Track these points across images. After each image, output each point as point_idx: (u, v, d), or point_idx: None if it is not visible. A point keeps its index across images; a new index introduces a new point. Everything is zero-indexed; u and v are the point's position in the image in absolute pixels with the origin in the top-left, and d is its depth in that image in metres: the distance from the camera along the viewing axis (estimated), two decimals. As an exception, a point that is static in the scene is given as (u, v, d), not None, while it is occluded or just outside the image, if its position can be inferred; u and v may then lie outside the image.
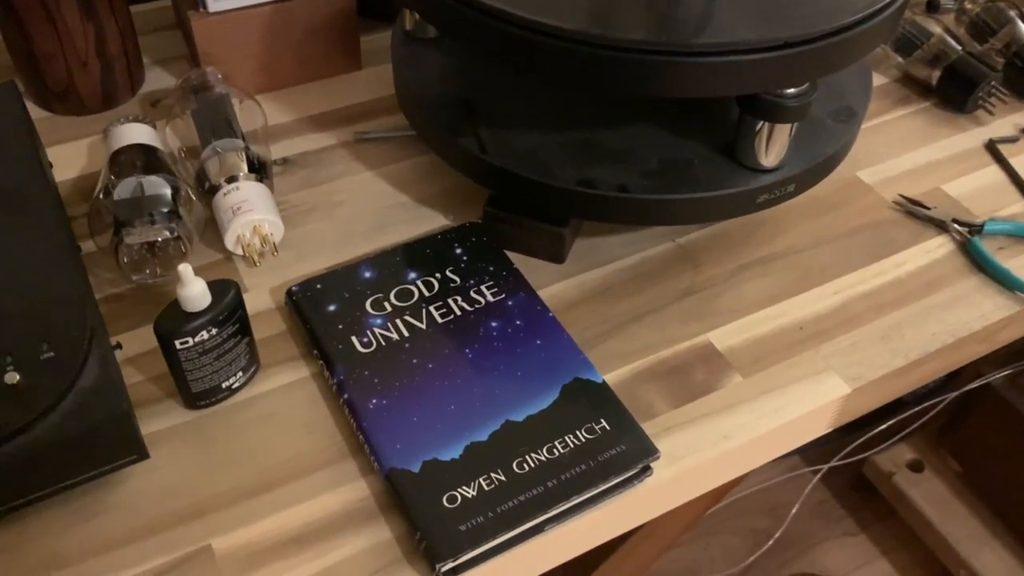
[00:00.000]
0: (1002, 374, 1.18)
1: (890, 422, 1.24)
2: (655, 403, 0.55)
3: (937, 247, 0.66)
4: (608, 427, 0.51)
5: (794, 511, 1.17)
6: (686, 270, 0.63)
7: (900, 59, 0.80)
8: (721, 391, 0.56)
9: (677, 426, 0.54)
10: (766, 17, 0.51)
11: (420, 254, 0.61)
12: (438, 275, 0.59)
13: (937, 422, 1.30)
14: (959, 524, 1.24)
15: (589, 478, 0.49)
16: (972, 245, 0.64)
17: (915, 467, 1.31)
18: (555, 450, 0.50)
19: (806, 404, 0.55)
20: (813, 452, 1.40)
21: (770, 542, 1.20)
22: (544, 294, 0.61)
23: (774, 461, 1.41)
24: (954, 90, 0.76)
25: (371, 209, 0.66)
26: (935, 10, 0.88)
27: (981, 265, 0.64)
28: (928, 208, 0.67)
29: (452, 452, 0.49)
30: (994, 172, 0.72)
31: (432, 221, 0.66)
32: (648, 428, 0.53)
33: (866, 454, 1.31)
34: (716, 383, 0.56)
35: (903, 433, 1.21)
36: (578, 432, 0.51)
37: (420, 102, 0.63)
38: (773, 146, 0.57)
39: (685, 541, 1.35)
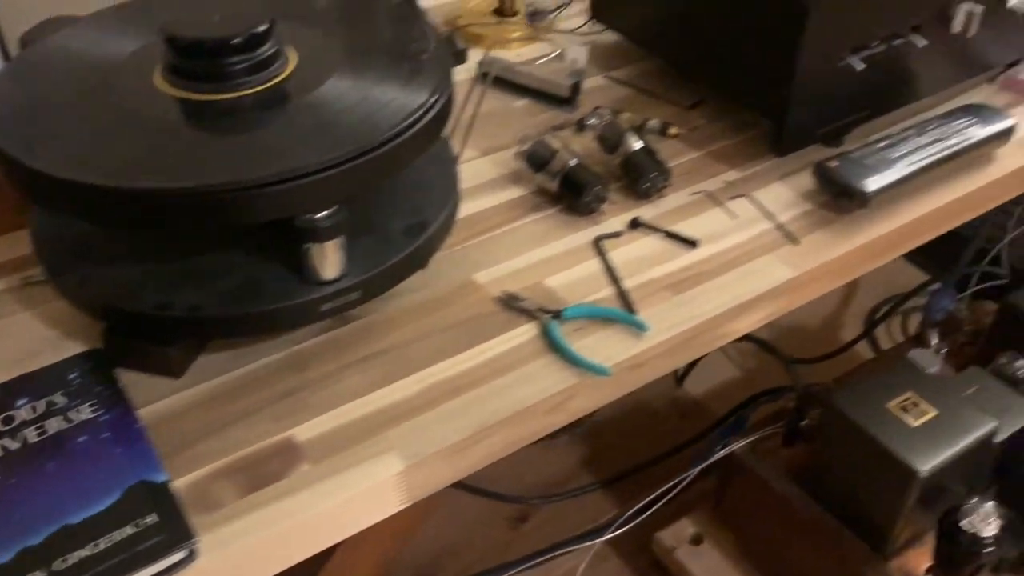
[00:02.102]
0: (744, 443, 1.28)
1: (650, 495, 1.32)
2: (225, 496, 0.62)
3: (522, 333, 0.75)
4: (156, 519, 0.58)
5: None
6: (294, 374, 0.71)
7: (534, 173, 0.91)
8: (287, 479, 0.63)
9: (238, 515, 0.60)
10: (258, 157, 0.61)
11: (34, 382, 0.68)
12: (46, 399, 0.66)
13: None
14: (734, 593, 1.30)
15: (122, 567, 0.55)
16: (547, 328, 0.74)
17: (695, 540, 1.37)
18: (99, 545, 0.56)
19: (360, 483, 0.63)
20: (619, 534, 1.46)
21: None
22: (154, 407, 0.68)
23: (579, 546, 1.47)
24: (569, 196, 0.88)
25: (21, 345, 0.74)
26: (582, 129, 1.01)
27: (553, 345, 0.73)
28: (521, 300, 0.77)
29: (3, 557, 0.55)
30: (594, 264, 0.83)
31: (76, 351, 0.73)
32: (211, 519, 0.59)
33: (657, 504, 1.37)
34: (284, 472, 0.63)
35: (663, 501, 1.28)
36: (125, 528, 0.57)
37: (43, 248, 0.72)
38: (326, 261, 0.66)
39: (489, 638, 1.37)
